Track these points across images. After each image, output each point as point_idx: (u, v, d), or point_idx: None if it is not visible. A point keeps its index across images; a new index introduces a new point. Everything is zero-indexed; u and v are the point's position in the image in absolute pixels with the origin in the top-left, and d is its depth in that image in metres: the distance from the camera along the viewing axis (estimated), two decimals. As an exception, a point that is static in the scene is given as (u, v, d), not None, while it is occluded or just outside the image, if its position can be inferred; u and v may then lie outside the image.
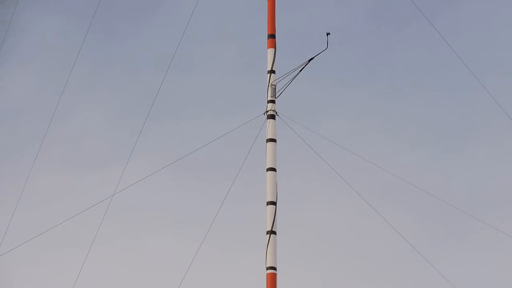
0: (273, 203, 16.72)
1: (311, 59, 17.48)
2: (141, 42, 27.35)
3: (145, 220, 22.89)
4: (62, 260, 20.87)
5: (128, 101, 25.61)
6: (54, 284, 20.61)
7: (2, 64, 21.34)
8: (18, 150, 23.80)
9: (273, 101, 17.62)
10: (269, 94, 17.62)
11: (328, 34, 17.28)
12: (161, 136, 22.11)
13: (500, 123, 19.60)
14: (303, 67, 17.60)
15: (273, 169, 16.98)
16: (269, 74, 17.75)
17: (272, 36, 17.98)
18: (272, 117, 17.38)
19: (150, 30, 26.74)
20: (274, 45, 17.92)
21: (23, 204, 18.69)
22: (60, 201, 21.89)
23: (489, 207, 22.80)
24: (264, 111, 17.50)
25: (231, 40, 25.29)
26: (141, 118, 18.43)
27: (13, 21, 20.59)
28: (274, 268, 16.30)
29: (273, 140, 17.18)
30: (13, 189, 19.41)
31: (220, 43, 25.58)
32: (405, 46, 27.68)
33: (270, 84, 17.66)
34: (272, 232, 16.56)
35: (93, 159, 25.54)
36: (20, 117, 25.44)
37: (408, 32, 26.43)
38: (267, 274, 16.18)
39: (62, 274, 20.19)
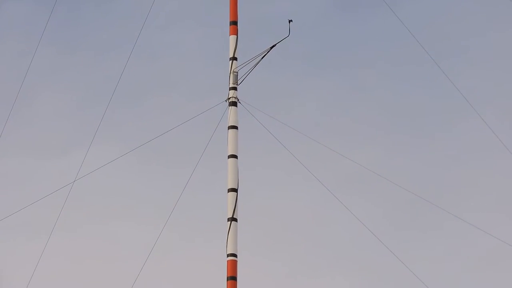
0: (234, 190, 16.24)
1: (273, 46, 16.89)
2: (106, 27, 26.39)
3: (107, 206, 22.10)
4: (22, 248, 19.97)
5: (92, 86, 24.92)
6: (13, 272, 19.65)
7: None
8: None
9: (235, 88, 17.06)
10: (231, 81, 17.04)
11: (290, 21, 16.76)
12: (124, 122, 21.48)
13: (463, 112, 19.48)
14: (265, 54, 17.01)
15: (235, 156, 16.48)
16: (231, 61, 17.18)
17: (234, 23, 17.44)
18: (233, 104, 16.86)
19: (115, 15, 25.74)
20: (236, 32, 17.36)
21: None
22: (21, 186, 21.07)
23: (453, 197, 22.35)
24: (226, 98, 16.93)
25: (194, 27, 24.59)
26: (104, 103, 17.58)
27: None
28: (234, 255, 15.83)
29: (235, 127, 16.70)
30: None
31: (183, 30, 24.66)
32: (368, 34, 27.16)
33: (232, 71, 17.09)
34: (233, 219, 16.05)
35: (55, 144, 24.90)
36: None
37: (371, 20, 25.95)
38: (227, 261, 15.71)
39: (21, 262, 19.24)
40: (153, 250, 16.30)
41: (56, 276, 19.88)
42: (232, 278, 15.66)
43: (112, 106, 17.80)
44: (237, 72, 17.04)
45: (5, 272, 20.12)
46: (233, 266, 15.75)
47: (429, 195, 17.46)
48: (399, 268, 16.68)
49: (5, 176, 21.06)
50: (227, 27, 17.41)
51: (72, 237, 20.05)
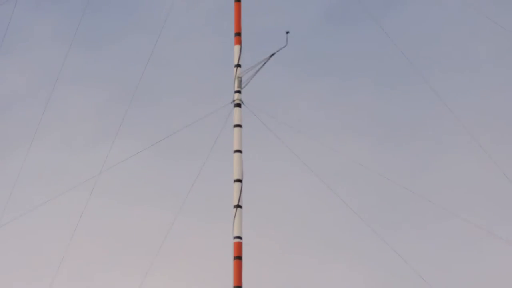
0: (239, 180, 17.29)
1: (272, 54, 17.89)
2: (127, 37, 27.15)
3: (128, 194, 22.92)
4: (55, 231, 21.00)
5: (115, 89, 25.32)
6: (47, 253, 20.86)
7: (4, 57, 21.37)
8: (19, 131, 23.83)
9: (239, 92, 18.11)
10: (236, 86, 18.07)
11: (287, 32, 17.71)
12: (143, 121, 22.15)
13: (441, 116, 20.04)
14: (266, 62, 17.95)
15: (239, 151, 17.57)
16: (235, 67, 18.19)
17: (238, 34, 18.50)
18: (238, 105, 17.91)
19: (135, 27, 26.49)
20: (240, 42, 18.39)
21: (22, 179, 18.89)
22: (55, 176, 21.97)
23: (435, 188, 23.34)
24: (232, 100, 17.94)
25: (203, 38, 25.10)
26: (126, 103, 18.71)
27: (13, 18, 20.51)
28: (240, 237, 16.94)
29: (239, 126, 17.77)
30: (14, 165, 19.64)
31: (194, 40, 25.37)
32: (356, 43, 27.51)
33: (236, 77, 18.11)
34: (238, 206, 17.14)
35: (83, 139, 25.37)
36: (22, 103, 25.32)
37: (358, 30, 26.31)
38: (234, 242, 16.77)
39: (55, 245, 20.27)
40: (169, 234, 17.25)
41: (85, 254, 20.83)
42: (238, 257, 16.72)
43: (133, 107, 18.70)
44: (241, 78, 18.07)
45: (42, 251, 21.59)
46: (238, 247, 16.84)
47: (414, 187, 18.69)
48: (388, 253, 17.66)
49: (41, 166, 21.73)
50: (232, 37, 18.47)
51: (100, 221, 20.86)
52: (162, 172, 23.30)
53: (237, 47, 18.38)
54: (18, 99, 25.78)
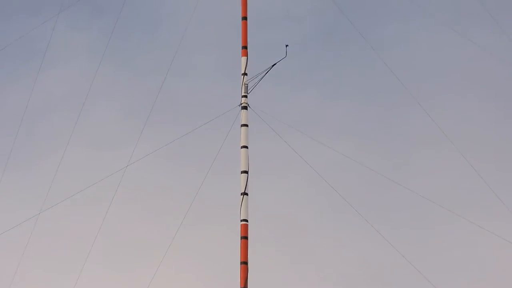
0: (246, 172, 18.91)
1: (274, 64, 19.44)
2: (148, 52, 28.16)
3: (149, 185, 24.19)
4: (89, 217, 22.24)
5: (138, 96, 26.45)
6: (80, 234, 22.29)
7: (45, 69, 22.34)
8: (58, 131, 24.98)
9: (245, 96, 19.59)
10: (243, 91, 19.58)
11: (287, 46, 19.23)
12: (163, 123, 23.26)
13: (423, 124, 21.55)
14: (268, 71, 19.47)
15: (246, 147, 19.12)
16: (242, 76, 19.72)
17: (245, 47, 20.03)
18: (245, 108, 19.41)
19: (155, 44, 27.86)
20: (246, 54, 19.89)
21: (61, 171, 20.50)
22: (86, 169, 23.36)
23: (412, 178, 24.33)
24: (239, 103, 19.46)
25: (215, 50, 26.27)
26: (147, 109, 20.37)
27: (54, 35, 21.92)
28: (246, 220, 18.53)
29: (246, 125, 19.32)
30: (53, 160, 21.05)
31: (207, 52, 26.59)
32: (345, 57, 28.82)
33: (243, 84, 19.63)
34: (245, 193, 18.73)
35: (109, 140, 26.64)
36: (59, 108, 26.50)
37: (348, 45, 27.56)
38: (241, 224, 18.41)
39: (88, 228, 21.43)
40: (186, 216, 18.85)
41: (112, 234, 22.00)
42: (244, 237, 18.42)
43: (153, 112, 20.23)
44: (247, 84, 19.71)
45: (76, 233, 22.84)
46: (245, 228, 18.51)
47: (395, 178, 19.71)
48: (371, 233, 18.74)
49: (74, 162, 22.89)
50: (239, 50, 20.12)
51: (125, 208, 22.21)
52: (178, 165, 24.26)
53: (244, 59, 19.88)
54: (55, 105, 26.52)
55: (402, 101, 22.45)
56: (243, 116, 19.51)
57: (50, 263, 23.67)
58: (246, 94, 19.74)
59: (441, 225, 22.56)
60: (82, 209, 22.31)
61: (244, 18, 20.27)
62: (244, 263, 18.48)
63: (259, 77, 19.80)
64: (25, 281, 21.99)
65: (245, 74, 19.87)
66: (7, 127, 24.23)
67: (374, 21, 28.05)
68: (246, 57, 19.99)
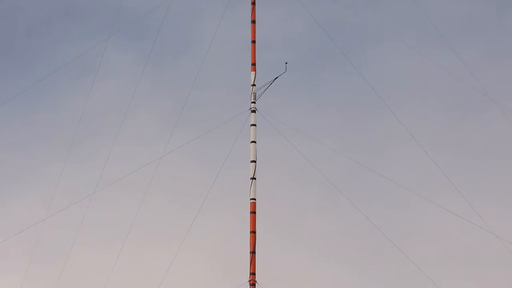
0: (254, 161, 21.27)
1: (276, 78, 21.79)
2: (177, 69, 29.59)
3: (179, 171, 25.71)
4: (131, 198, 23.64)
5: (170, 107, 27.99)
6: (123, 212, 24.12)
7: (98, 83, 24.04)
8: (107, 131, 26.33)
9: (254, 102, 21.87)
10: (252, 98, 21.90)
11: (286, 63, 21.55)
12: (189, 124, 24.46)
13: (393, 125, 23.47)
14: (271, 83, 21.85)
15: (254, 142, 21.46)
16: (252, 86, 22.00)
17: (253, 64, 22.28)
18: (253, 111, 21.69)
19: (182, 62, 29.49)
20: (255, 70, 22.14)
21: (110, 162, 22.52)
22: (125, 161, 24.62)
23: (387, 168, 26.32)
24: (249, 108, 21.70)
25: (229, 67, 27.87)
26: (176, 114, 22.82)
27: (105, 54, 23.69)
28: (254, 199, 21.03)
29: (254, 125, 21.56)
30: (104, 154, 23.17)
31: (224, 69, 28.17)
32: (331, 72, 30.62)
33: (252, 92, 21.91)
34: (253, 178, 21.14)
35: (144, 138, 28.30)
36: (108, 113, 28.04)
37: (333, 63, 29.25)
38: (250, 202, 20.95)
39: (130, 206, 23.25)
40: (208, 197, 21.33)
41: (149, 212, 23.43)
42: (253, 212, 20.81)
43: (181, 116, 22.54)
44: (255, 93, 21.98)
45: (117, 212, 24.63)
46: (253, 205, 20.98)
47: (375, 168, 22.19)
48: (354, 211, 21.29)
49: (120, 155, 23.92)
50: (249, 66, 22.28)
51: (159, 191, 23.75)
52: (199, 158, 25.75)
53: (253, 73, 22.15)
54: (105, 111, 27.95)
55: (376, 106, 23.98)
56: (252, 118, 21.73)
57: (99, 235, 25.41)
58: (254, 101, 21.93)
59: (408, 204, 24.76)
60: (126, 191, 23.72)
61: (253, 42, 22.40)
62: (253, 232, 20.87)
63: (265, 87, 22.04)
64: (79, 252, 23.46)
65: (253, 85, 22.09)
66: (68, 127, 25.63)
67: (355, 44, 29.42)
68: (254, 72, 22.17)
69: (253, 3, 22.71)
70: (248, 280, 20.67)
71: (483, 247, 24.93)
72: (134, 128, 26.75)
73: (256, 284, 20.89)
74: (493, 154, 28.93)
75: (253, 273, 20.65)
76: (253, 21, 22.45)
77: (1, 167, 30.71)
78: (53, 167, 26.62)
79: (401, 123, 22.68)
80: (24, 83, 27.65)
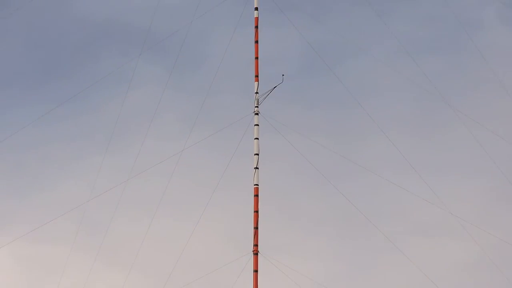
0: (257, 154, 22.77)
1: (275, 87, 23.20)
2: (195, 79, 30.46)
3: (197, 163, 27.27)
4: (158, 185, 24.99)
5: (188, 109, 28.93)
6: (152, 195, 25.54)
7: (131, 91, 25.90)
8: (138, 130, 27.62)
9: (257, 107, 23.19)
10: (255, 103, 23.19)
11: (283, 75, 23.03)
12: (205, 124, 25.51)
13: (367, 122, 25.06)
14: (271, 91, 23.24)
15: (257, 138, 22.90)
16: (255, 94, 23.29)
17: (257, 76, 23.41)
18: (256, 114, 23.07)
19: (199, 73, 30.49)
20: (257, 80, 23.35)
21: (141, 154, 24.23)
22: (155, 154, 25.51)
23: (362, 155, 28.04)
24: (253, 111, 23.10)
25: (238, 78, 28.43)
26: (194, 116, 24.51)
27: (136, 68, 25.56)
28: (257, 185, 22.66)
29: (257, 125, 22.92)
30: (137, 147, 24.68)
31: (233, 79, 28.90)
32: (319, 83, 31.85)
33: (256, 98, 23.19)
34: (256, 168, 22.73)
35: (166, 135, 29.51)
36: (139, 116, 28.95)
37: (320, 75, 30.07)
38: (254, 187, 22.61)
39: (157, 190, 24.89)
40: (220, 184, 23.19)
41: (174, 193, 24.88)
42: (256, 195, 22.41)
43: (198, 117, 24.27)
44: (258, 99, 23.26)
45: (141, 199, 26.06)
46: (256, 190, 22.63)
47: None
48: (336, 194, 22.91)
49: (149, 149, 25.30)
50: (253, 77, 23.53)
51: (180, 178, 25.05)
52: (211, 151, 26.72)
53: (256, 83, 23.34)
54: (136, 115, 28.99)
55: (354, 107, 25.40)
56: (256, 119, 22.99)
57: (133, 212, 26.55)
58: (257, 105, 23.16)
59: (380, 187, 25.97)
60: (154, 178, 24.88)
61: (256, 58, 23.57)
62: (256, 211, 22.39)
63: (266, 94, 23.36)
64: (116, 226, 24.87)
65: (257, 92, 23.26)
66: (107, 126, 27.06)
67: (337, 58, 30.46)
68: (257, 82, 23.31)
69: (256, 27, 23.72)
70: (252, 250, 22.03)
71: (440, 222, 26.45)
72: (160, 127, 27.54)
73: (258, 253, 22.18)
74: (449, 145, 30.01)
75: (256, 245, 22.04)
76: (256, 41, 23.63)
77: (54, 157, 31.79)
78: (96, 158, 27.51)
79: (374, 120, 24.39)
80: (72, 90, 27.96)
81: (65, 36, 35.18)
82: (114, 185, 24.21)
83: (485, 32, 34.51)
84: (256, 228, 22.04)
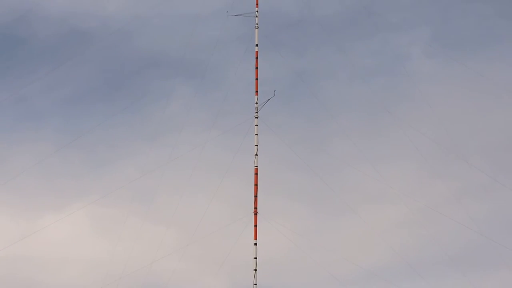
0: (256, 145, 27.71)
1: (268, 99, 28.13)
2: (214, 95, 33.65)
3: (212, 152, 30.40)
4: (186, 169, 29.36)
5: (210, 115, 32.13)
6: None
7: (170, 102, 30.80)
8: (172, 129, 31.37)
9: (257, 113, 28.07)
10: (255, 110, 28.07)
11: (275, 91, 27.86)
12: (219, 124, 29.27)
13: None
14: (266, 102, 28.10)
15: (257, 134, 27.89)
16: (256, 104, 28.23)
17: (256, 91, 28.35)
18: (256, 117, 27.97)
19: (217, 91, 33.61)
20: (257, 94, 28.29)
21: (175, 147, 28.90)
22: (184, 145, 29.49)
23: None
24: (254, 116, 27.95)
25: (244, 92, 30.87)
26: (212, 120, 29.44)
27: (171, 86, 31.83)
28: (256, 166, 27.59)
29: (257, 125, 27.86)
30: (171, 141, 29.54)
31: (239, 93, 31.58)
32: (301, 99, 35.12)
33: (256, 107, 28.11)
34: (256, 154, 27.74)
35: (195, 134, 32.26)
36: (174, 118, 32.25)
37: (302, 92, 33.23)
38: (254, 168, 27.54)
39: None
40: (229, 167, 28.15)
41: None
42: (256, 174, 27.24)
43: (216, 121, 29.28)
44: (257, 107, 28.08)
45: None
46: (256, 170, 27.60)
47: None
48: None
49: (180, 142, 29.45)
50: (254, 92, 28.43)
51: (203, 164, 29.63)
52: (228, 142, 29.80)
53: (256, 96, 28.29)
54: (171, 118, 32.14)
55: (324, 115, 30.85)
56: (256, 121, 28.01)
57: (168, 189, 30.93)
58: (257, 111, 28.17)
59: (351, 174, 30.88)
60: (183, 164, 29.67)
61: (256, 79, 28.42)
62: (256, 185, 27.40)
63: (262, 104, 28.22)
64: (159, 197, 29.90)
65: (256, 103, 28.38)
66: (151, 127, 32.48)
67: (313, 81, 34.39)
68: (257, 96, 28.43)
69: (256, 58, 28.56)
70: (253, 211, 26.89)
71: (383, 194, 31.58)
72: (187, 128, 31.80)
73: (257, 213, 26.86)
74: (390, 142, 35.12)
75: (255, 208, 26.92)
76: (256, 68, 28.54)
77: (117, 146, 37.65)
78: (144, 148, 32.91)
79: (342, 128, 30.24)
80: (128, 102, 34.57)
81: (126, 62, 41.08)
82: (154, 168, 29.43)
83: (413, 61, 39.93)
84: (255, 196, 27.11)
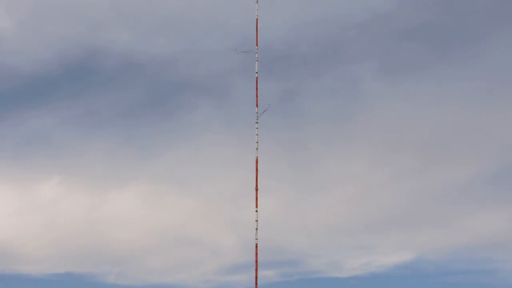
0: (257, 142, 33.78)
1: (265, 110, 34.03)
2: (233, 110, 43.06)
3: (230, 145, 40.18)
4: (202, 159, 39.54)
5: (227, 122, 42.44)
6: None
7: (199, 118, 41.21)
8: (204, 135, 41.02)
9: (257, 118, 34.20)
10: (256, 119, 34.11)
11: (269, 104, 33.55)
12: (234, 129, 38.14)
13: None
14: (263, 112, 33.93)
15: (257, 134, 33.98)
16: (256, 113, 34.33)
17: (256, 105, 34.07)
18: (257, 122, 33.97)
19: (235, 107, 42.85)
20: (257, 106, 34.16)
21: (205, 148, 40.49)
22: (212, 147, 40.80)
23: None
24: (255, 121, 34.05)
25: (247, 104, 35.28)
26: (233, 123, 39.40)
27: (199, 106, 41.16)
28: (257, 157, 33.29)
29: (257, 128, 33.76)
30: (200, 141, 40.41)
31: (245, 105, 36.04)
32: (288, 112, 43.60)
33: (256, 116, 34.24)
34: (257, 148, 33.86)
35: (206, 139, 42.45)
36: (199, 123, 43.02)
37: (288, 105, 42.37)
38: (256, 158, 33.76)
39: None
40: (236, 158, 38.42)
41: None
42: (256, 162, 33.00)
43: (233, 122, 39.46)
44: (258, 116, 34.29)
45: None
46: (257, 160, 33.61)
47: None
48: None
49: (204, 141, 41.99)
50: (254, 104, 34.48)
51: (217, 160, 41.03)
52: (241, 135, 36.70)
53: (256, 108, 34.40)
54: (199, 123, 42.21)
55: (307, 123, 40.04)
56: (256, 125, 34.16)
57: (198, 173, 40.92)
58: (257, 119, 34.48)
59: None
60: (203, 159, 40.34)
61: (256, 95, 34.29)
62: (256, 169, 33.58)
63: (261, 113, 34.11)
64: (190, 180, 40.46)
65: (257, 113, 34.37)
66: (186, 133, 40.56)
67: (298, 101, 43.53)
68: (257, 108, 34.53)
69: (256, 81, 34.60)
70: (254, 187, 32.67)
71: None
72: (213, 133, 43.05)
73: (258, 189, 32.91)
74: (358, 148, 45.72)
75: (256, 185, 33.06)
76: (256, 88, 34.72)
77: (157, 146, 47.35)
78: (179, 149, 43.14)
79: (315, 128, 39.78)
80: (163, 116, 45.67)
81: (167, 85, 52.18)
82: (188, 158, 40.63)
83: (365, 86, 49.79)
84: (256, 177, 33.92)
